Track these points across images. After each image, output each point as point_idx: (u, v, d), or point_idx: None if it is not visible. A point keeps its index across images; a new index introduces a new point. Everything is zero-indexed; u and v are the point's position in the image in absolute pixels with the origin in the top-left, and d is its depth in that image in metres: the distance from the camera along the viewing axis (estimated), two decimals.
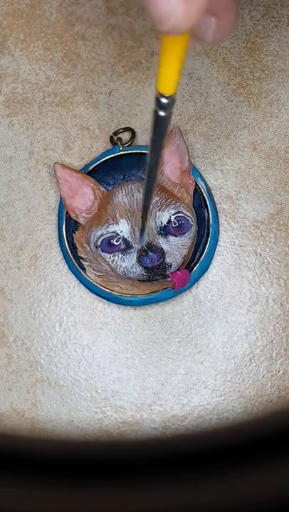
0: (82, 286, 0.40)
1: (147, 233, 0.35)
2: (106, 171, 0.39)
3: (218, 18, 0.19)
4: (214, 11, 0.19)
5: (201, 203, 0.39)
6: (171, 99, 0.20)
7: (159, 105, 0.20)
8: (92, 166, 0.39)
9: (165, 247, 0.36)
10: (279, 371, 0.39)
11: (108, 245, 0.36)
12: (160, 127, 0.22)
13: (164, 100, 0.20)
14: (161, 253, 0.36)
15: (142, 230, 0.34)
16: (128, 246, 0.36)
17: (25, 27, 0.40)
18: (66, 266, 0.40)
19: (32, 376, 0.40)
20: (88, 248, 0.38)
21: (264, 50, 0.40)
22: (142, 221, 0.33)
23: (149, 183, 0.28)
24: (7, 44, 0.40)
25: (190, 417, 0.39)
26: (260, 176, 0.40)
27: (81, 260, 0.39)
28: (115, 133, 0.40)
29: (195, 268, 0.39)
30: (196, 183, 0.39)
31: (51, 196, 0.40)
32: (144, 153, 0.39)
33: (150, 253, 0.35)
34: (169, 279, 0.37)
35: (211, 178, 0.40)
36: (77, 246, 0.39)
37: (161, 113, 0.21)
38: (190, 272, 0.38)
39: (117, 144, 0.39)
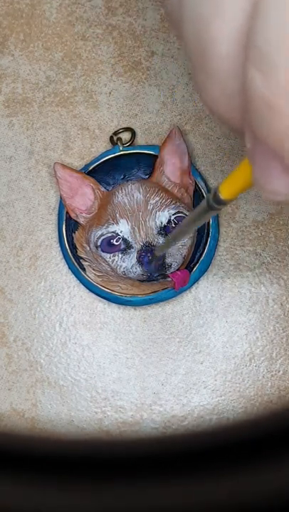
0: (82, 286, 0.40)
1: (135, 240, 0.36)
2: (106, 171, 0.39)
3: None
4: None
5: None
6: (226, 202, 0.20)
7: (215, 200, 0.20)
8: (92, 166, 0.39)
9: None
10: (279, 371, 0.39)
11: (108, 245, 0.36)
12: (203, 216, 0.22)
13: (220, 199, 0.20)
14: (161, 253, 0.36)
15: (151, 261, 0.35)
16: (128, 246, 0.36)
17: (25, 27, 0.40)
18: (66, 266, 0.40)
19: (32, 376, 0.40)
20: (88, 248, 0.38)
21: None
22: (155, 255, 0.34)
23: (168, 246, 0.31)
24: (7, 44, 0.40)
25: (190, 417, 0.39)
26: None
27: (81, 260, 0.39)
28: (115, 133, 0.40)
29: (195, 268, 0.39)
30: (196, 183, 0.39)
31: (51, 196, 0.40)
32: (144, 154, 0.39)
33: (150, 253, 0.35)
34: (169, 279, 0.37)
35: (211, 178, 0.40)
36: (77, 246, 0.39)
37: (213, 206, 0.21)
38: (190, 271, 0.38)
39: (117, 144, 0.39)
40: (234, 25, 0.15)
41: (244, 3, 0.15)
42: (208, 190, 0.39)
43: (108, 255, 0.37)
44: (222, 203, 0.20)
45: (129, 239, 0.36)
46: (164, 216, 0.36)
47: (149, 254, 0.35)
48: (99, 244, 0.37)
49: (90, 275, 0.39)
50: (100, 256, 0.37)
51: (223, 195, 0.20)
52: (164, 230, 0.36)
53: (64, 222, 0.39)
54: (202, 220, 0.23)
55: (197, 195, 0.39)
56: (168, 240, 0.34)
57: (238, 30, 0.15)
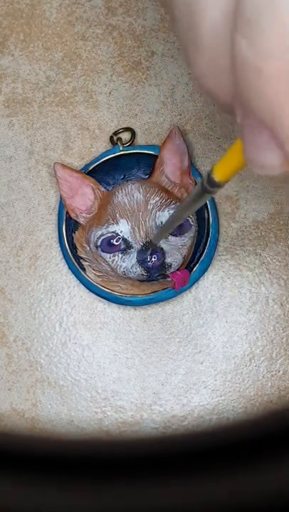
0: (82, 286, 0.40)
1: (135, 240, 0.36)
2: (106, 171, 0.39)
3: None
4: None
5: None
6: (221, 184, 0.20)
7: (209, 183, 0.20)
8: (92, 166, 0.39)
9: (165, 247, 0.36)
10: (279, 371, 0.39)
11: (108, 245, 0.36)
12: (198, 200, 0.22)
13: (214, 181, 0.20)
14: (161, 253, 0.36)
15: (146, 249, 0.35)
16: (128, 246, 0.36)
17: (25, 27, 0.40)
18: (66, 266, 0.40)
19: (32, 376, 0.40)
20: (88, 248, 0.38)
21: None
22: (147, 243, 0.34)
23: (166, 231, 0.31)
24: (7, 44, 0.40)
25: (190, 417, 0.39)
26: (260, 176, 0.40)
27: (81, 260, 0.39)
28: (115, 133, 0.40)
29: (195, 268, 0.39)
30: (196, 183, 0.39)
31: (51, 196, 0.40)
32: (144, 154, 0.39)
33: (150, 253, 0.35)
34: (169, 279, 0.37)
35: None
36: (77, 246, 0.39)
37: (208, 189, 0.21)
38: (190, 272, 0.38)
39: (117, 144, 0.39)
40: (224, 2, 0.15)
41: None
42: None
43: (108, 255, 0.37)
44: (216, 185, 0.20)
45: (129, 239, 0.36)
46: (164, 216, 0.36)
47: (154, 258, 0.35)
48: (99, 244, 0.37)
49: (90, 275, 0.39)
50: (100, 256, 0.37)
51: (217, 176, 0.20)
52: None
53: (64, 222, 0.39)
54: (198, 204, 0.23)
55: None
56: (164, 227, 0.34)
57: (227, 2, 0.15)
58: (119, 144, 0.39)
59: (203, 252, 0.39)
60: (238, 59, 0.15)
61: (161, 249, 0.36)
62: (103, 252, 0.37)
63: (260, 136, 0.16)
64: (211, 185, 0.21)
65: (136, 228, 0.36)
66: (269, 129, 0.15)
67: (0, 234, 0.40)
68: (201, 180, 0.21)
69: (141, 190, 0.37)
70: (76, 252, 0.39)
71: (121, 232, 0.36)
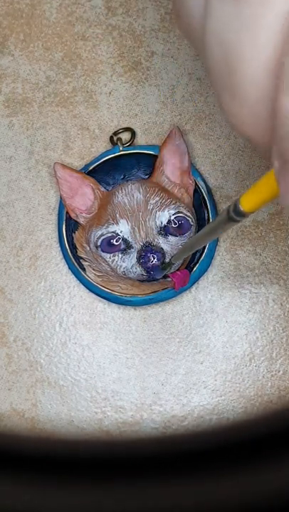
0: (82, 286, 0.40)
1: (135, 240, 0.36)
2: (106, 171, 0.39)
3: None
4: None
5: (201, 203, 0.39)
6: (247, 214, 0.20)
7: (236, 212, 0.20)
8: (92, 166, 0.39)
9: (165, 247, 0.36)
10: (279, 371, 0.39)
11: (108, 245, 0.36)
12: (222, 227, 0.22)
13: (240, 211, 0.20)
14: (161, 253, 0.36)
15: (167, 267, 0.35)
16: (128, 246, 0.36)
17: (25, 27, 0.40)
18: (66, 266, 0.40)
19: (32, 376, 0.40)
20: (88, 248, 0.38)
21: None
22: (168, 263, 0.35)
23: (181, 256, 0.31)
24: (7, 44, 0.40)
25: (190, 417, 0.39)
26: (260, 176, 0.40)
27: (81, 260, 0.39)
28: (115, 133, 0.40)
29: (195, 268, 0.39)
30: (196, 183, 0.39)
31: (51, 196, 0.40)
32: (144, 154, 0.39)
33: (150, 253, 0.35)
34: (169, 279, 0.37)
35: (211, 178, 0.40)
36: (77, 246, 0.39)
37: (233, 218, 0.21)
38: (190, 272, 0.38)
39: (117, 144, 0.39)
40: (267, 53, 0.16)
41: (277, 34, 0.15)
42: (208, 190, 0.39)
43: (108, 255, 0.37)
44: (242, 214, 0.20)
45: (129, 239, 0.36)
46: (164, 216, 0.36)
47: (154, 259, 0.35)
48: (99, 244, 0.37)
49: (90, 275, 0.39)
50: (100, 256, 0.37)
51: (244, 207, 0.20)
52: (164, 230, 0.36)
53: (64, 222, 0.39)
54: (220, 230, 0.23)
55: (197, 195, 0.39)
56: (184, 248, 0.34)
57: (270, 57, 0.16)
58: (119, 144, 0.39)
59: (203, 252, 0.39)
60: (282, 114, 0.15)
61: (161, 249, 0.36)
62: (103, 252, 0.37)
63: None
64: (237, 214, 0.20)
65: (136, 228, 0.36)
66: None
67: (0, 234, 0.40)
68: (227, 207, 0.21)
69: (141, 190, 0.37)
70: (76, 252, 0.39)
71: (121, 232, 0.36)
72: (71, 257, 0.39)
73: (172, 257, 0.35)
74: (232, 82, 0.17)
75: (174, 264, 0.36)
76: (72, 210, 0.38)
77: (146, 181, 0.38)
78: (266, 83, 0.16)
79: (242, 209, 0.20)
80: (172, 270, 0.37)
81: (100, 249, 0.37)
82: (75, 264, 0.39)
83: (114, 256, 0.36)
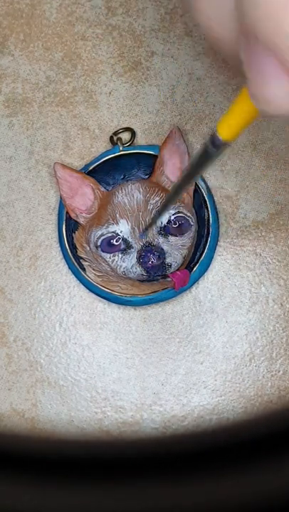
0: (82, 286, 0.40)
1: (135, 240, 0.36)
2: (106, 171, 0.39)
3: None
4: None
5: (201, 203, 0.39)
6: (227, 144, 0.19)
7: (213, 143, 0.19)
8: (92, 166, 0.39)
9: (165, 247, 0.36)
10: (279, 371, 0.39)
11: (108, 245, 0.36)
12: (201, 165, 0.21)
13: (218, 141, 0.19)
14: (161, 253, 0.36)
15: (146, 229, 0.34)
16: (128, 246, 0.36)
17: (25, 27, 0.40)
18: (66, 266, 0.40)
19: (32, 376, 0.40)
20: (88, 248, 0.38)
21: None
22: (151, 221, 0.34)
23: (172, 199, 0.28)
24: (7, 44, 0.40)
25: (190, 417, 0.39)
26: (260, 176, 0.40)
27: (81, 260, 0.39)
28: (115, 133, 0.40)
29: (195, 268, 0.39)
30: (196, 183, 0.39)
31: (51, 196, 0.40)
32: (144, 154, 0.39)
33: (150, 253, 0.35)
34: (169, 279, 0.37)
35: (211, 178, 0.40)
36: (77, 246, 0.39)
37: (212, 149, 0.19)
38: (190, 271, 0.38)
39: (117, 144, 0.39)
40: None
41: None
42: (208, 190, 0.39)
43: (108, 255, 0.37)
44: (221, 144, 0.19)
45: (129, 239, 0.36)
46: (164, 216, 0.36)
47: (152, 259, 0.35)
48: (99, 244, 0.37)
49: (90, 275, 0.39)
50: (100, 256, 0.37)
51: (222, 134, 0.18)
52: (164, 230, 0.36)
53: (64, 222, 0.39)
54: (201, 169, 0.21)
55: (197, 195, 0.39)
56: (168, 196, 0.32)
57: None
58: (119, 144, 0.39)
59: (203, 252, 0.39)
60: None
61: (161, 249, 0.36)
62: (103, 252, 0.37)
63: (266, 64, 0.15)
64: (215, 145, 0.19)
65: (136, 228, 0.36)
66: (274, 53, 0.14)
67: (0, 234, 0.40)
68: (205, 141, 0.20)
69: (141, 190, 0.37)
70: (76, 252, 0.39)
71: (121, 232, 0.36)
72: (71, 257, 0.39)
73: (155, 214, 0.34)
74: None
75: (162, 255, 0.35)
76: (72, 210, 0.38)
77: (146, 181, 0.38)
78: None
79: (221, 138, 0.18)
80: (171, 270, 0.36)
81: (100, 249, 0.37)
82: (75, 264, 0.39)
83: (114, 256, 0.36)
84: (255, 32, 0.14)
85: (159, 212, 0.35)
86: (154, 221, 0.35)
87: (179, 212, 0.37)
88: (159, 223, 0.36)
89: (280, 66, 0.15)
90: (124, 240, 0.36)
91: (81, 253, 0.39)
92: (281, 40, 0.14)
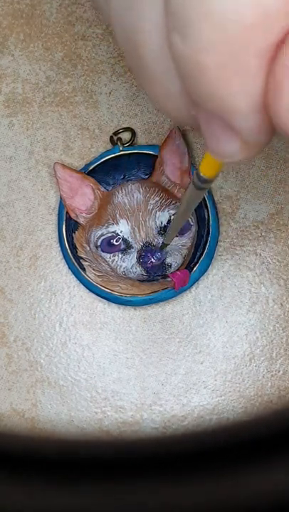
0: (82, 286, 0.40)
1: (135, 240, 0.36)
2: (106, 171, 0.39)
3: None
4: None
5: (201, 203, 0.39)
6: (210, 180, 0.22)
7: (201, 180, 0.22)
8: (92, 166, 0.39)
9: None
10: (279, 371, 0.39)
11: (108, 245, 0.36)
12: (195, 198, 0.24)
13: (203, 179, 0.21)
14: (161, 253, 0.36)
15: (162, 248, 0.35)
16: (128, 246, 0.36)
17: (25, 27, 0.40)
18: (66, 266, 0.40)
19: (32, 376, 0.40)
20: (88, 248, 0.38)
21: None
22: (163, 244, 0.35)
23: (171, 235, 0.32)
24: (7, 44, 0.40)
25: (190, 417, 0.39)
26: (260, 176, 0.40)
27: (81, 260, 0.39)
28: (115, 133, 0.40)
29: (195, 268, 0.39)
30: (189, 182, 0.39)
31: (51, 196, 0.40)
32: (144, 154, 0.39)
33: (150, 253, 0.35)
34: (169, 279, 0.37)
35: None
36: (77, 246, 0.39)
37: (200, 186, 0.22)
38: (190, 271, 0.38)
39: (117, 144, 0.39)
40: (156, 22, 0.15)
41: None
42: (209, 190, 0.39)
43: (108, 255, 0.37)
44: (206, 181, 0.22)
45: (129, 239, 0.36)
46: (164, 216, 0.36)
47: (152, 259, 0.35)
48: (99, 244, 0.37)
49: (90, 275, 0.39)
50: (100, 256, 0.37)
51: (204, 173, 0.21)
52: (164, 230, 0.36)
53: (64, 222, 0.39)
54: (195, 201, 0.24)
55: None
56: (169, 233, 0.34)
57: (160, 23, 0.15)
58: (119, 144, 0.39)
59: (203, 252, 0.39)
60: (178, 57, 0.15)
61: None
62: (103, 252, 0.37)
63: (216, 127, 0.16)
64: (202, 181, 0.22)
65: (136, 228, 0.36)
66: (221, 119, 0.16)
67: (0, 234, 0.40)
68: (192, 178, 0.22)
69: (141, 190, 0.37)
70: (76, 252, 0.39)
71: (121, 232, 0.36)
72: (71, 257, 0.39)
73: (164, 238, 0.35)
74: (139, 61, 0.16)
75: (162, 257, 0.36)
76: (72, 210, 0.38)
77: (146, 181, 0.38)
78: (165, 49, 0.15)
79: (203, 176, 0.21)
80: (171, 270, 0.37)
81: (99, 249, 0.37)
82: (75, 264, 0.39)
83: (114, 256, 0.36)
84: (205, 106, 0.16)
85: (162, 248, 0.35)
86: (163, 246, 0.36)
87: None
88: (158, 223, 0.36)
89: (228, 128, 0.16)
90: (124, 240, 0.36)
91: (81, 253, 0.39)
92: (228, 113, 0.15)
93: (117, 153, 0.39)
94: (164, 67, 0.16)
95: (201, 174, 0.21)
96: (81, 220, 0.39)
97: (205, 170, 0.21)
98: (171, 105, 0.17)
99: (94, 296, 0.40)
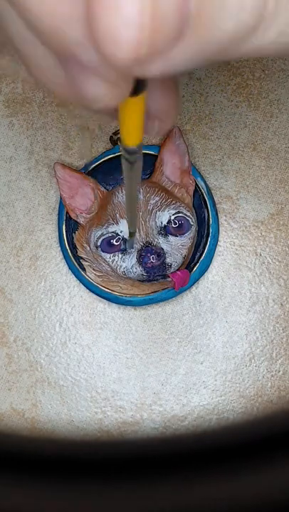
0: (82, 286, 0.40)
1: (135, 240, 0.36)
2: (106, 171, 0.39)
3: (160, 121, 0.20)
4: (155, 115, 0.20)
5: (201, 203, 0.39)
6: (134, 149, 0.21)
7: (128, 152, 0.21)
8: (92, 166, 0.39)
9: (165, 247, 0.36)
10: (279, 371, 0.39)
11: (108, 245, 0.36)
12: (131, 173, 0.23)
13: (129, 149, 0.21)
14: (161, 253, 0.36)
15: (130, 236, 0.35)
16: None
17: None
18: (66, 266, 0.40)
19: (32, 376, 0.40)
20: (88, 248, 0.38)
21: None
22: (129, 231, 0.34)
23: (129, 209, 0.30)
24: (7, 44, 0.40)
25: (190, 417, 0.39)
26: (260, 176, 0.40)
27: (81, 260, 0.39)
28: (115, 133, 0.40)
29: (195, 268, 0.39)
30: (196, 183, 0.39)
31: (51, 196, 0.40)
32: (144, 153, 0.39)
33: (150, 253, 0.35)
34: (169, 279, 0.37)
35: (211, 178, 0.40)
36: (77, 246, 0.39)
37: (129, 158, 0.22)
38: (190, 271, 0.38)
39: (117, 143, 0.39)
40: None
41: None
42: (208, 190, 0.39)
43: (108, 255, 0.37)
44: (132, 151, 0.21)
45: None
46: (164, 216, 0.36)
47: (152, 258, 0.35)
48: (99, 244, 0.37)
49: (90, 275, 0.39)
50: (100, 256, 0.37)
51: (127, 143, 0.21)
52: (164, 230, 0.36)
53: (64, 222, 0.39)
54: (133, 176, 0.24)
55: (197, 195, 0.39)
56: (128, 219, 0.34)
57: None
58: (119, 144, 0.39)
59: (203, 252, 0.39)
60: (12, 4, 0.15)
61: (161, 249, 0.36)
62: (103, 252, 0.37)
63: (74, 71, 0.16)
64: (129, 153, 0.21)
65: (136, 228, 0.36)
66: (74, 61, 0.16)
67: (0, 234, 0.40)
68: (121, 155, 0.22)
69: (141, 190, 0.37)
70: (76, 252, 0.39)
71: (121, 232, 0.36)
72: (71, 257, 0.39)
73: (128, 226, 0.35)
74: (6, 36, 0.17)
75: (162, 256, 0.35)
76: (72, 210, 0.38)
77: (146, 181, 0.38)
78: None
79: (127, 145, 0.21)
80: (171, 270, 0.36)
81: (100, 249, 0.37)
82: (75, 264, 0.39)
83: (114, 256, 0.36)
84: (52, 48, 0.16)
85: (131, 233, 0.35)
86: (130, 234, 0.35)
87: (179, 212, 0.37)
88: (158, 223, 0.36)
89: (84, 68, 0.16)
90: (124, 240, 0.36)
91: (81, 253, 0.39)
92: (63, 42, 0.15)
93: (117, 153, 0.39)
94: (17, 29, 0.16)
95: (125, 145, 0.21)
96: (81, 220, 0.39)
97: (127, 139, 0.21)
98: (46, 74, 0.17)
99: (94, 296, 0.40)
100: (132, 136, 0.20)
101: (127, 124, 0.20)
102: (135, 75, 0.16)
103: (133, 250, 0.36)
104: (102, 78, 0.16)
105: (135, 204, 0.31)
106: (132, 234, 0.34)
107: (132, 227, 0.33)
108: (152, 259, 0.35)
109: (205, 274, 0.39)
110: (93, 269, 0.39)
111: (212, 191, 0.40)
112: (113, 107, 0.17)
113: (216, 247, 0.40)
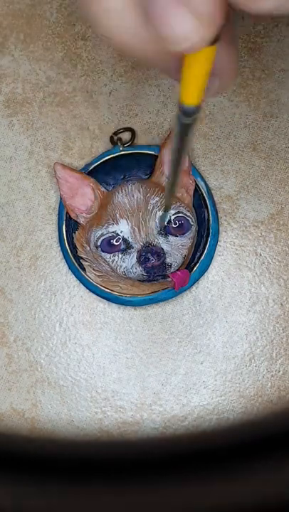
0: (82, 286, 0.40)
1: (135, 240, 0.36)
2: (106, 171, 0.39)
3: (220, 78, 0.20)
4: (216, 72, 0.19)
5: (201, 203, 0.39)
6: (197, 108, 0.20)
7: (185, 113, 0.20)
8: (92, 166, 0.39)
9: (165, 247, 0.36)
10: (279, 371, 0.39)
11: (108, 245, 0.36)
12: (184, 137, 0.22)
13: (188, 109, 0.20)
14: (161, 253, 0.36)
15: (166, 209, 0.35)
16: (128, 246, 0.36)
17: (25, 27, 0.40)
18: (66, 266, 0.40)
19: (32, 376, 0.40)
20: (88, 248, 0.38)
21: (264, 50, 0.40)
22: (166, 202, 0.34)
23: (172, 183, 0.29)
24: (7, 44, 0.40)
25: (190, 417, 0.39)
26: (260, 176, 0.40)
27: (81, 260, 0.39)
28: (115, 133, 0.40)
29: (195, 268, 0.39)
30: (196, 183, 0.39)
31: (51, 196, 0.40)
32: (144, 154, 0.39)
33: (150, 253, 0.35)
34: (169, 279, 0.37)
35: (211, 178, 0.40)
36: (77, 246, 0.39)
37: (186, 121, 0.20)
38: (190, 271, 0.38)
39: (117, 143, 0.39)
40: None
41: None
42: (208, 190, 0.39)
43: (108, 255, 0.37)
44: (191, 111, 0.20)
45: (129, 239, 0.36)
46: (164, 216, 0.36)
47: (152, 259, 0.35)
48: (99, 244, 0.37)
49: (90, 275, 0.39)
50: (100, 256, 0.37)
51: (187, 102, 0.20)
52: (164, 230, 0.36)
53: (64, 222, 0.39)
54: (186, 142, 0.23)
55: (197, 195, 0.39)
56: (168, 183, 0.33)
57: None
58: (119, 144, 0.39)
59: (203, 252, 0.39)
60: None
61: (161, 249, 0.36)
62: (103, 252, 0.37)
63: (163, 3, 0.17)
64: (187, 114, 0.20)
65: (136, 228, 0.36)
66: None
67: (0, 234, 0.40)
68: (177, 115, 0.21)
69: (141, 190, 0.37)
70: (76, 252, 0.39)
71: (121, 232, 0.36)
72: (71, 257, 0.39)
73: (165, 200, 0.34)
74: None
75: (162, 256, 0.35)
76: (72, 210, 0.38)
77: (146, 181, 0.38)
78: None
79: (186, 105, 0.20)
80: (171, 270, 0.36)
81: (100, 249, 0.37)
82: (75, 264, 0.39)
83: (114, 256, 0.36)
84: None
85: (167, 203, 0.35)
86: (166, 208, 0.35)
87: (179, 212, 0.37)
88: (158, 223, 0.36)
89: (175, 1, 0.16)
90: (124, 240, 0.36)
91: (81, 253, 0.39)
92: None
93: (117, 153, 0.39)
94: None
95: (186, 104, 0.20)
96: (81, 220, 0.39)
97: (190, 97, 0.19)
98: (127, 35, 0.17)
99: (94, 296, 0.40)
100: (194, 94, 0.19)
101: (192, 79, 0.19)
102: (245, 11, 0.16)
103: (134, 250, 0.36)
104: (194, 13, 0.16)
105: (179, 174, 0.29)
106: (167, 207, 0.34)
107: (169, 200, 0.32)
108: (152, 259, 0.35)
109: (205, 274, 0.39)
110: (93, 269, 0.39)
111: (212, 191, 0.40)
112: (195, 50, 0.17)
113: (216, 247, 0.40)
